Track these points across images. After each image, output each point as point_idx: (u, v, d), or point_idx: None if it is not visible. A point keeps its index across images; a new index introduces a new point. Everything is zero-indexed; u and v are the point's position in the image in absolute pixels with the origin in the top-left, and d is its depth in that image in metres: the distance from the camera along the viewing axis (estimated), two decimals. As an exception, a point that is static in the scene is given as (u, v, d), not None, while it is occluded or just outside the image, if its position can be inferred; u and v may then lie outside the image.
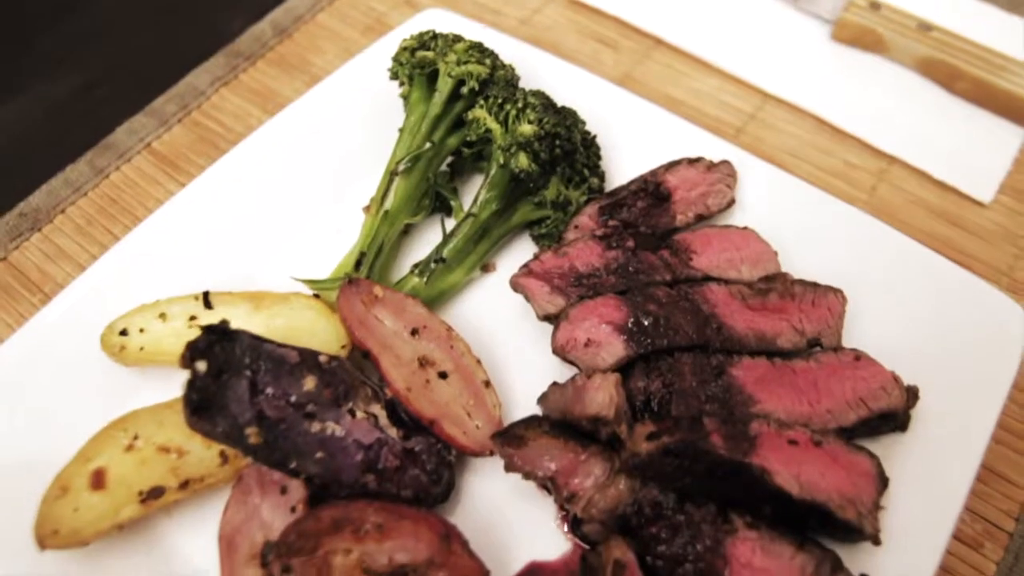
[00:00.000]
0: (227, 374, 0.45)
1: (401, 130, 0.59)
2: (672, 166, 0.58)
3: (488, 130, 0.55)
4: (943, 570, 0.49)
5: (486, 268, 0.58)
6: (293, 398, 0.46)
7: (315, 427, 0.46)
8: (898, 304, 0.53)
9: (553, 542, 0.48)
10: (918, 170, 0.65)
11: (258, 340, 0.46)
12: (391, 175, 0.57)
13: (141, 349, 0.52)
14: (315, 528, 0.42)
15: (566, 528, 0.48)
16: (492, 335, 0.55)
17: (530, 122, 0.54)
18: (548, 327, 0.54)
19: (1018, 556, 0.49)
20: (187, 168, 0.68)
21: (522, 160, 0.53)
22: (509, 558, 0.47)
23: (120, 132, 0.69)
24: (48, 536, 0.44)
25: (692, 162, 0.58)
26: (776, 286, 0.52)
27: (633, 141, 0.62)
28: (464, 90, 0.58)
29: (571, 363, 0.52)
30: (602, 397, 0.47)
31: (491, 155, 0.56)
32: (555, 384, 0.51)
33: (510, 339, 0.55)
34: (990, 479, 0.52)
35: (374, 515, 0.43)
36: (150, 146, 0.68)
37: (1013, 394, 0.54)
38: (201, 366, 0.45)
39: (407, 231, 0.59)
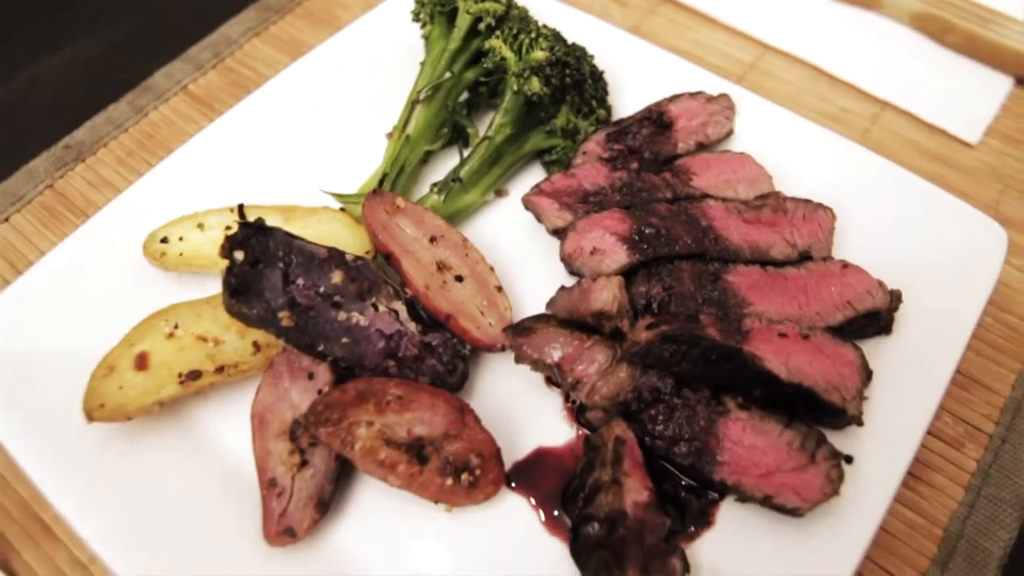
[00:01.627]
0: (262, 264, 0.49)
1: (422, 63, 0.63)
2: (675, 98, 0.62)
3: (503, 58, 0.59)
4: (927, 466, 0.52)
5: (499, 193, 0.62)
6: (321, 289, 0.50)
7: (341, 316, 0.50)
8: (886, 223, 0.57)
9: (559, 431, 0.51)
10: (909, 114, 0.69)
11: (290, 236, 0.51)
12: (412, 103, 0.61)
13: (180, 255, 0.56)
14: (341, 399, 0.46)
15: (572, 419, 0.52)
16: (504, 251, 0.58)
17: (542, 49, 0.58)
18: (556, 244, 0.58)
19: (997, 454, 0.52)
20: (220, 108, 0.72)
21: (534, 84, 0.58)
22: (518, 445, 0.50)
23: (158, 76, 0.74)
24: (95, 409, 0.48)
25: (693, 95, 0.62)
26: (769, 202, 0.56)
27: (639, 81, 0.66)
28: (481, 26, 0.62)
29: (577, 272, 0.55)
30: (606, 295, 0.51)
31: (506, 84, 0.60)
32: (563, 287, 0.55)
33: (521, 255, 0.58)
34: (972, 387, 0.55)
35: (395, 389, 0.47)
36: (186, 88, 0.73)
37: (995, 312, 0.58)
38: (239, 255, 0.49)
39: (427, 160, 0.63)
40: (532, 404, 0.52)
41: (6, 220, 0.64)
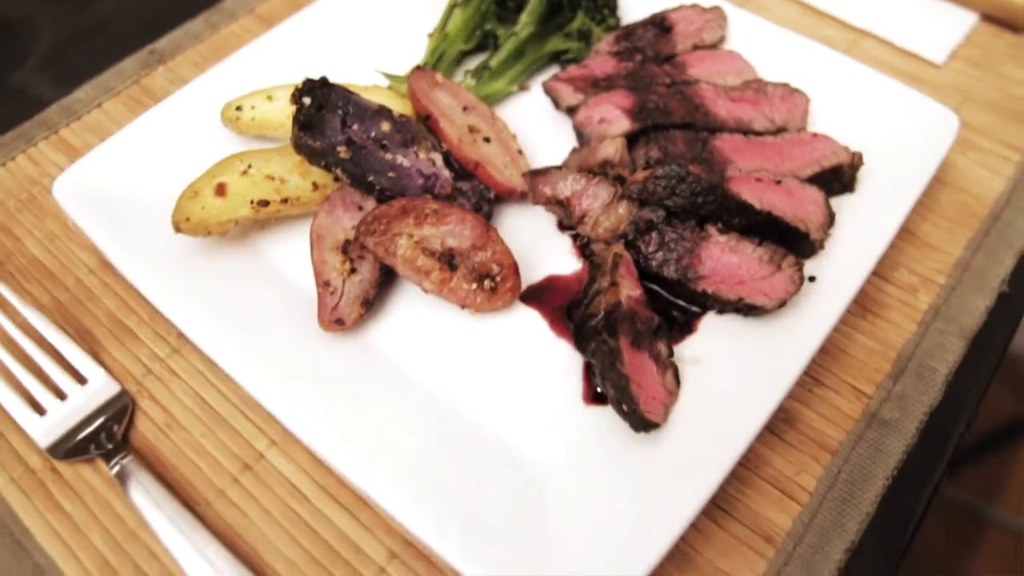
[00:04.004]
0: (325, 110, 0.59)
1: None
2: (675, 8, 0.72)
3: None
4: (885, 307, 0.60)
5: (523, 87, 0.71)
6: (372, 134, 0.60)
7: (388, 156, 0.59)
8: (854, 111, 0.65)
9: (568, 264, 0.60)
10: (884, 40, 0.78)
11: (348, 91, 0.61)
12: (452, 7, 0.72)
13: (252, 119, 0.66)
14: (387, 212, 0.55)
15: (579, 255, 0.61)
16: (525, 135, 0.68)
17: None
18: (570, 133, 0.68)
19: (947, 299, 0.60)
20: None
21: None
22: (531, 275, 0.59)
23: (229, 1, 0.85)
24: (181, 222, 0.57)
25: (691, 6, 0.72)
26: (752, 86, 0.65)
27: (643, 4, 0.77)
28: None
29: (586, 139, 0.65)
30: (611, 149, 0.60)
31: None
32: (574, 148, 0.64)
33: (538, 139, 0.68)
34: (927, 249, 0.63)
35: (432, 205, 0.56)
36: (253, 11, 0.84)
37: (951, 193, 0.67)
38: (307, 100, 0.59)
39: (461, 61, 0.73)
40: (545, 245, 0.61)
41: (99, 106, 0.75)
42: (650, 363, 0.51)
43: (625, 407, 0.48)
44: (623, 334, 0.50)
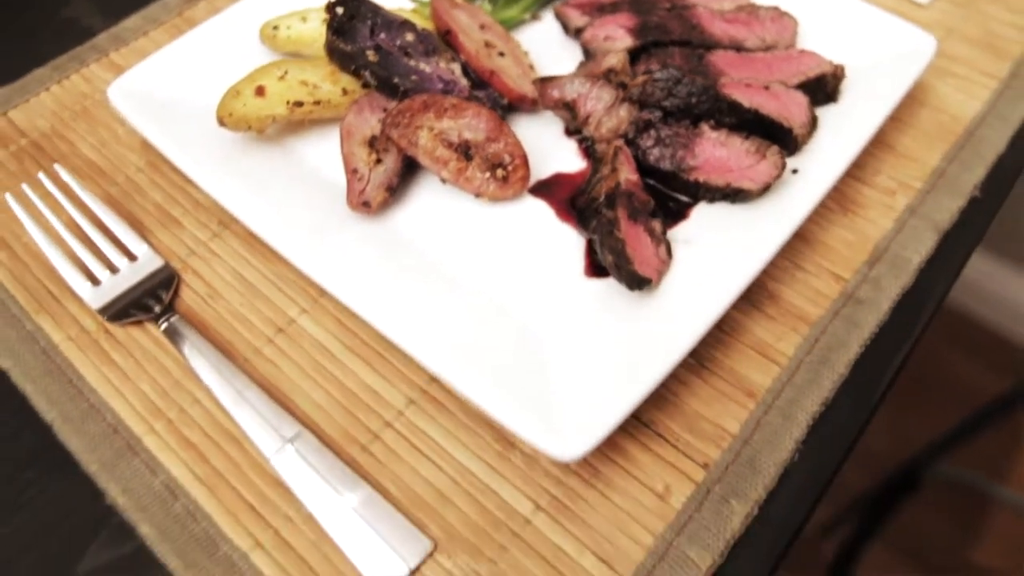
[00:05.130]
0: (356, 19, 0.65)
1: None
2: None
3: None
4: (864, 206, 0.65)
5: (534, 17, 0.77)
6: (398, 43, 0.66)
7: (411, 62, 0.65)
8: (839, 35, 0.71)
9: (574, 164, 0.66)
10: (873, -17, 0.84)
11: (376, 4, 0.67)
12: (470, -58, 0.78)
13: (288, 37, 0.72)
14: (410, 106, 0.61)
15: (584, 156, 0.66)
16: (535, 57, 0.74)
17: None
18: (577, 57, 0.73)
19: (923, 200, 0.65)
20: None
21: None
22: (539, 174, 0.65)
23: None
24: (225, 116, 0.63)
25: (692, -57, 0.78)
26: (745, 8, 0.71)
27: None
28: None
29: (592, 55, 0.70)
30: (615, 59, 0.66)
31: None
32: (581, 62, 0.70)
33: (548, 61, 0.73)
34: (907, 159, 0.68)
35: (451, 100, 0.62)
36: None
37: (930, 113, 0.72)
38: (339, 10, 0.65)
39: (478, -6, 0.80)
40: (553, 148, 0.67)
41: (145, 34, 0.81)
42: (645, 235, 0.56)
43: (620, 267, 0.54)
44: (621, 207, 0.56)
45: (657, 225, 0.57)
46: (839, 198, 0.65)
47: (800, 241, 0.62)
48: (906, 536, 2.02)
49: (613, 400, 0.49)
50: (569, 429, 0.48)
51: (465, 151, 0.61)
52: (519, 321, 0.55)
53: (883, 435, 2.16)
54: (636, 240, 0.55)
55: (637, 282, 0.53)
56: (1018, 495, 1.97)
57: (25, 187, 0.64)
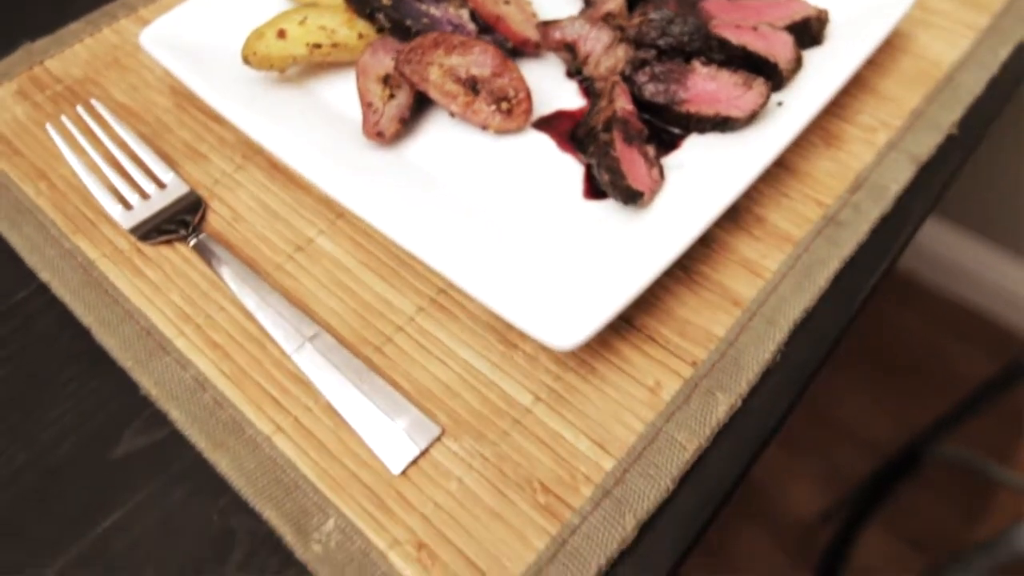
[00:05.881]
0: (370, -34, 0.70)
1: None
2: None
3: None
4: (847, 141, 0.69)
5: (539, -26, 0.82)
6: (410, -12, 0.71)
7: (423, 6, 0.70)
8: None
9: (574, 103, 0.70)
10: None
11: (390, -46, 0.72)
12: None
13: (306, -11, 0.77)
14: (421, 44, 0.66)
15: (585, 95, 0.70)
16: (537, 7, 0.78)
17: None
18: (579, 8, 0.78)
19: (902, 136, 0.69)
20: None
21: None
22: (543, 110, 0.69)
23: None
24: (249, 55, 0.68)
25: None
26: (737, -40, 0.75)
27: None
28: None
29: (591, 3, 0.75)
30: (613, 3, 0.71)
31: None
32: (581, 9, 0.74)
33: (550, 11, 0.78)
34: (887, 100, 0.72)
35: (459, 38, 0.66)
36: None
37: (912, 60, 0.76)
38: (356, -43, 0.70)
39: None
40: (555, 89, 0.71)
41: (172, -7, 0.86)
42: (639, 157, 0.60)
43: (616, 183, 0.58)
44: (617, 131, 0.60)
45: (650, 150, 0.62)
46: (823, 134, 0.69)
47: (786, 172, 0.66)
48: (905, 520, 2.05)
49: (607, 298, 0.53)
50: (567, 322, 0.52)
51: (472, 86, 0.66)
52: (522, 235, 0.60)
53: (884, 425, 2.19)
54: (630, 161, 0.59)
55: (631, 196, 0.58)
56: (1019, 476, 1.99)
57: (64, 119, 0.69)
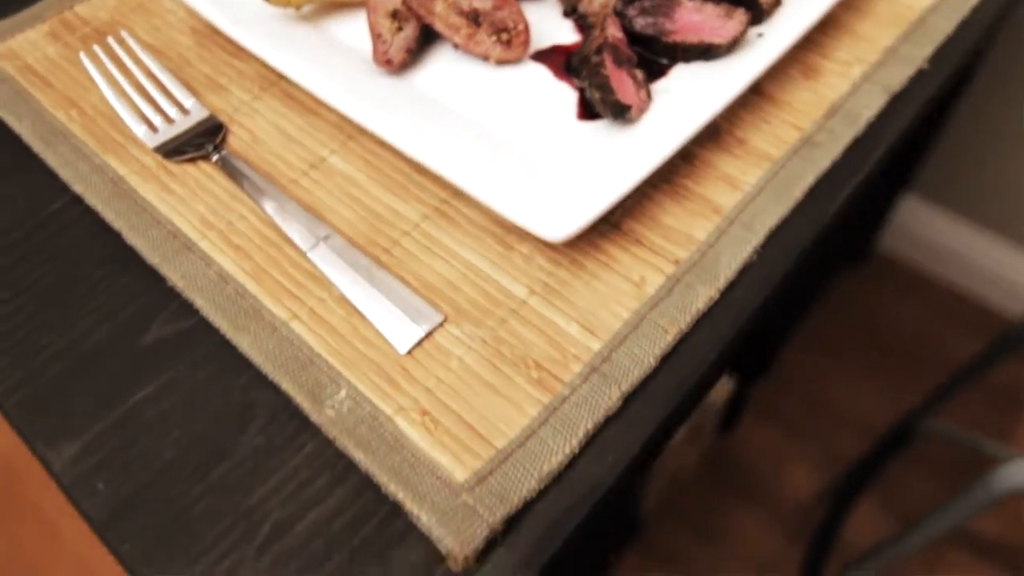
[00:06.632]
0: (380, -89, 0.75)
1: None
2: None
3: None
4: (823, 74, 0.74)
5: (538, -73, 0.87)
6: (417, -69, 0.76)
7: (429, -52, 0.75)
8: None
9: (570, 38, 0.75)
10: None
11: (399, -100, 0.77)
12: None
13: (320, -63, 0.82)
14: (427, -21, 0.71)
15: (580, 32, 0.75)
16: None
17: None
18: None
19: (876, 70, 0.74)
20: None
21: None
22: (539, 45, 0.74)
23: None
24: (268, -7, 0.73)
25: None
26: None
27: None
28: None
29: (588, -50, 0.80)
30: (605, -53, 0.76)
31: None
32: (577, -46, 0.80)
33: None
34: (862, 39, 0.77)
35: (463, -26, 0.71)
36: None
37: (886, 4, 0.81)
38: (367, -99, 0.75)
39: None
40: (552, 27, 0.76)
41: (193, -54, 0.92)
42: (628, 79, 0.65)
43: (605, 100, 0.63)
44: (607, 54, 0.65)
45: (639, 73, 0.67)
46: (802, 68, 0.74)
47: (767, 100, 0.71)
48: (897, 497, 2.08)
49: (596, 197, 0.58)
50: (560, 217, 0.57)
51: (475, 18, 0.71)
52: (520, 149, 0.65)
53: (880, 410, 2.24)
54: (620, 81, 0.64)
55: (619, 110, 0.62)
56: (1011, 450, 2.02)
57: (96, 48, 0.74)
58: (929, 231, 2.22)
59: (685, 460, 1.95)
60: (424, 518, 0.49)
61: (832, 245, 1.85)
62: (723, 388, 1.73)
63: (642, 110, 0.65)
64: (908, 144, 1.99)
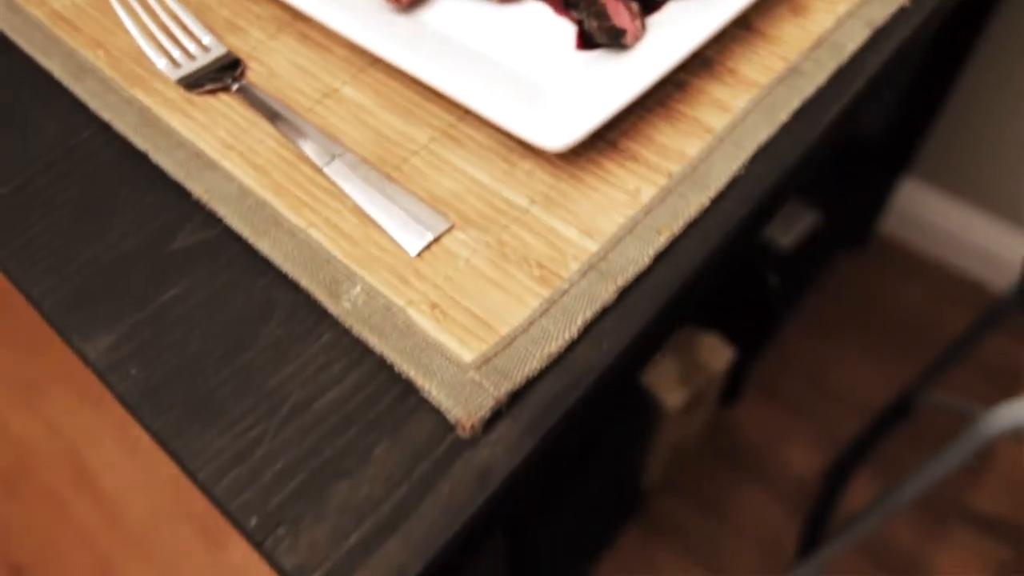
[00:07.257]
0: None
1: None
2: None
3: None
4: (810, 11, 0.78)
5: None
6: None
7: None
8: None
9: (568, -20, 0.79)
10: None
11: None
12: None
13: None
14: (434, -79, 0.75)
15: (577, -26, 0.80)
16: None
17: None
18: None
19: (861, 7, 0.78)
20: None
21: None
22: (541, -12, 0.78)
23: None
24: (284, -63, 0.77)
25: None
26: None
27: None
28: None
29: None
30: None
31: None
32: (576, -98, 0.84)
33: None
34: (849, -17, 0.81)
35: (467, -84, 0.76)
36: None
37: (872, -49, 0.84)
38: None
39: None
40: (552, -30, 0.80)
41: (209, -94, 0.96)
42: (624, 9, 0.69)
43: (601, 26, 0.67)
44: (604, -15, 0.69)
45: (634, 5, 0.71)
46: (791, 5, 0.78)
47: (756, 35, 0.75)
48: (895, 470, 2.11)
49: (593, 111, 0.62)
50: (559, 129, 0.61)
51: (479, -42, 0.75)
52: (523, 74, 0.69)
53: (881, 389, 2.27)
54: (616, 10, 0.68)
55: (615, 34, 0.66)
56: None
57: (121, -11, 0.78)
58: (928, 213, 2.25)
59: (687, 431, 1.98)
60: (434, 392, 0.52)
61: (832, 222, 1.88)
62: (723, 356, 1.77)
63: (636, 37, 0.69)
64: (906, 124, 2.03)
